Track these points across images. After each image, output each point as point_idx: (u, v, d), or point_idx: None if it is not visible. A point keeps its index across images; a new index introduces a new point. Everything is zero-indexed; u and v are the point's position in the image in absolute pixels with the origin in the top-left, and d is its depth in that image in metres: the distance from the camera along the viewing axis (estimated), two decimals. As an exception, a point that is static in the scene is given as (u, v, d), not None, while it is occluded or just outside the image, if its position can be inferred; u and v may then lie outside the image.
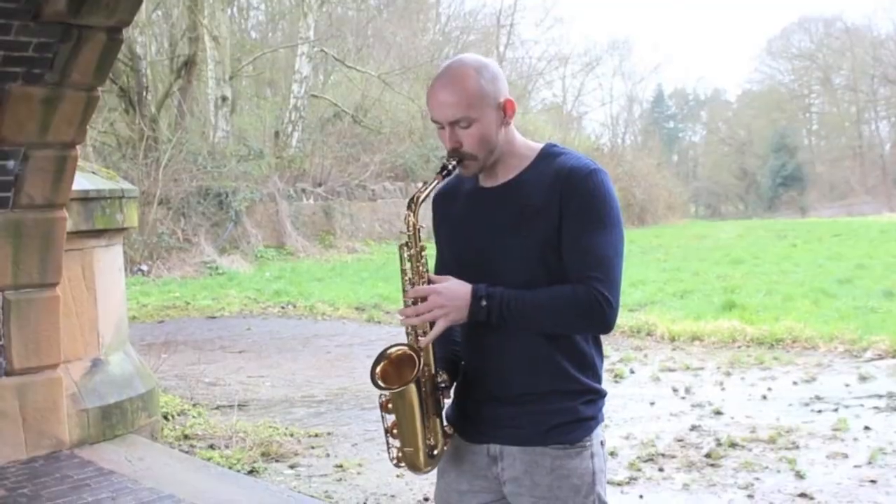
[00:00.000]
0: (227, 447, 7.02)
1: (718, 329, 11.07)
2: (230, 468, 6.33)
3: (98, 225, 6.56)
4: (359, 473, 6.47)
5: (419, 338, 2.46)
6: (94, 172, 7.00)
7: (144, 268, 20.08)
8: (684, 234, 30.32)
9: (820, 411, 7.62)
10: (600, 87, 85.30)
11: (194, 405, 8.48)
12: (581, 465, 2.48)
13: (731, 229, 33.15)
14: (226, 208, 22.89)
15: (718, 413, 7.71)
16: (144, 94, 23.99)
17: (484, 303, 2.39)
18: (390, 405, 2.51)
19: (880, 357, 9.50)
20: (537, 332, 2.44)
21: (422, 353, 2.45)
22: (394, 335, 12.63)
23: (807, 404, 7.87)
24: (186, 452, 6.81)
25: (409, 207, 2.47)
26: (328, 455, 6.95)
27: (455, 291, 2.41)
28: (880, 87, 67.28)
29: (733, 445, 6.71)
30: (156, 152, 22.27)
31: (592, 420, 2.52)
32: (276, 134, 27.93)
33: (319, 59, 31.29)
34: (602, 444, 2.56)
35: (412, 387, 2.44)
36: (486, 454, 2.57)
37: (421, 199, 2.47)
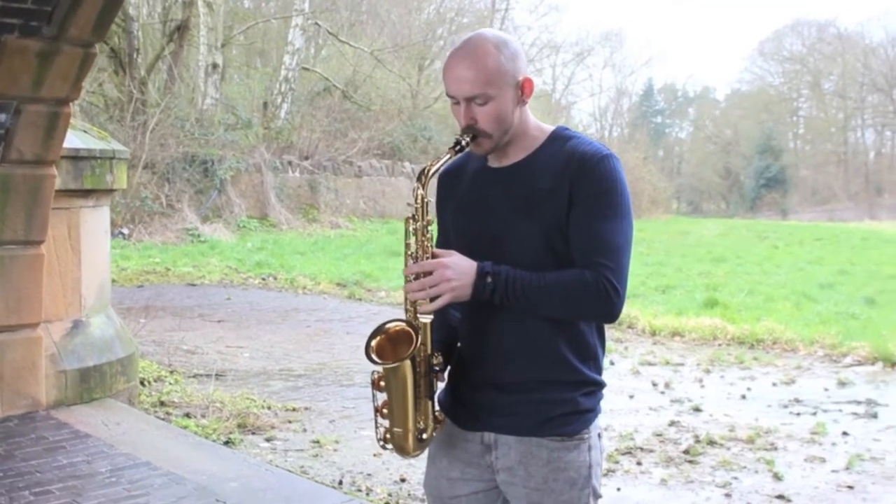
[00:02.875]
0: (203, 416, 6.98)
1: (700, 326, 11.08)
2: (206, 437, 6.28)
3: (87, 185, 6.48)
4: (335, 450, 6.43)
5: (418, 315, 2.38)
6: (85, 131, 6.91)
7: (126, 231, 19.96)
8: (667, 230, 30.32)
9: (799, 414, 7.63)
10: (590, 77, 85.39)
11: (171, 372, 8.44)
12: (578, 457, 2.43)
13: (713, 227, 33.22)
14: (211, 176, 22.78)
15: (697, 410, 7.70)
16: (135, 56, 23.77)
17: (489, 280, 2.31)
18: (382, 382, 2.44)
19: (859, 363, 9.52)
20: (540, 316, 2.37)
21: (420, 331, 2.38)
22: (374, 313, 12.63)
23: (786, 406, 7.88)
24: (162, 419, 6.76)
25: (418, 179, 2.39)
26: (305, 430, 6.91)
27: (461, 266, 2.33)
28: (868, 95, 67.52)
29: (712, 443, 6.70)
30: (143, 116, 22.11)
31: (591, 412, 2.47)
32: (265, 105, 27.78)
33: (312, 32, 31.11)
34: (599, 436, 2.51)
35: (407, 364, 2.37)
36: (479, 442, 2.51)
37: (431, 173, 2.39)
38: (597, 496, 2.49)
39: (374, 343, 2.41)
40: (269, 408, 7.42)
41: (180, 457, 5.45)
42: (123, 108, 22.37)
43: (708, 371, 9.24)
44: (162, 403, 7.33)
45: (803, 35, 71.13)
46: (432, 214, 2.46)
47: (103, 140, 6.96)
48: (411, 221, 2.40)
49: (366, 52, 30.45)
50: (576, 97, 63.05)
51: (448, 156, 2.40)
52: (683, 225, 35.41)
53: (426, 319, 2.38)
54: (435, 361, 2.43)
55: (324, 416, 7.38)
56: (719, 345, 10.53)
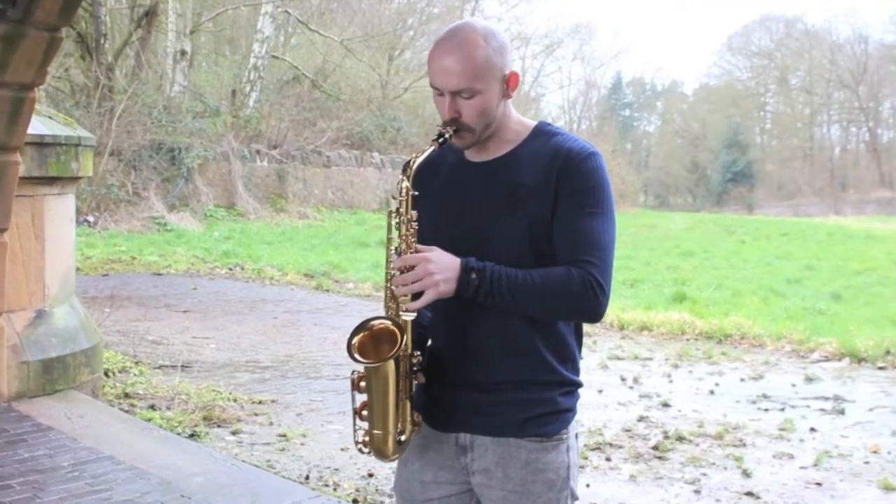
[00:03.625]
0: (168, 408, 6.89)
1: (668, 320, 11.08)
2: (171, 430, 6.20)
3: (52, 172, 6.37)
4: (302, 444, 6.36)
5: (400, 312, 2.31)
6: (50, 117, 6.78)
7: (91, 219, 19.75)
8: (635, 223, 30.39)
9: (767, 410, 7.63)
10: (560, 70, 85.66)
11: (136, 363, 8.33)
12: (557, 458, 2.38)
13: (680, 221, 33.34)
14: (178, 164, 22.60)
15: (666, 405, 7.69)
16: (102, 41, 23.48)
17: (474, 276, 2.25)
18: (363, 383, 2.36)
19: (827, 359, 9.55)
20: (523, 314, 2.32)
21: (405, 329, 2.31)
22: (342, 304, 12.56)
23: (754, 402, 7.88)
24: (126, 411, 6.67)
25: (403, 172, 2.32)
26: (271, 423, 6.83)
27: (444, 262, 2.26)
28: (835, 91, 68.08)
29: (680, 439, 6.69)
30: (110, 102, 21.87)
31: (570, 412, 2.42)
32: (234, 93, 27.58)
33: (282, 20, 30.92)
34: (576, 436, 2.47)
35: (390, 364, 2.30)
36: (454, 443, 2.45)
37: (416, 165, 2.32)
38: (574, 497, 2.44)
39: (355, 341, 2.33)
40: (235, 400, 7.34)
41: (144, 451, 5.37)
42: (90, 94, 22.12)
43: (676, 366, 9.24)
44: (126, 395, 7.23)
45: (771, 30, 71.65)
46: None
47: (69, 126, 6.84)
48: (395, 215, 2.33)
49: (336, 41, 30.29)
50: (545, 89, 63.11)
51: (432, 148, 2.34)
52: (651, 218, 35.52)
53: (408, 317, 2.31)
54: (415, 361, 2.36)
55: (291, 408, 7.30)
56: (687, 339, 10.53)
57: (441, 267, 2.25)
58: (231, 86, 28.02)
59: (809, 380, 8.71)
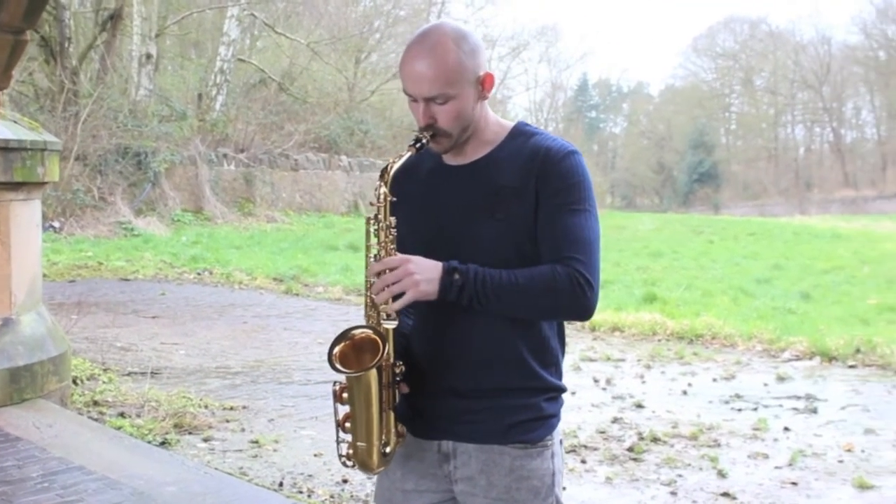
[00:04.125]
0: (138, 416, 6.81)
1: (639, 321, 11.09)
2: (141, 438, 6.12)
3: (17, 177, 6.26)
4: (275, 451, 6.30)
5: (382, 321, 2.26)
6: (15, 122, 6.67)
7: (56, 224, 19.56)
8: (603, 224, 29.32)
9: (740, 410, 7.63)
10: (526, 72, 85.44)
11: (105, 370, 8.24)
12: (542, 465, 2.34)
13: (648, 222, 33.44)
14: (144, 168, 22.44)
15: (640, 406, 7.68)
16: (66, 45, 23.26)
17: (457, 276, 2.20)
18: (345, 394, 2.31)
19: (798, 358, 9.58)
20: (511, 315, 2.28)
21: (386, 338, 2.25)
22: (312, 308, 12.50)
23: (727, 402, 7.89)
24: (95, 419, 6.58)
25: (381, 178, 2.27)
26: (243, 430, 6.76)
27: (426, 264, 2.22)
28: (798, 92, 68.69)
29: (655, 440, 6.68)
30: (75, 106, 21.68)
31: (554, 417, 2.39)
32: (200, 96, 27.42)
33: (248, 23, 30.79)
34: (560, 442, 2.43)
35: (372, 374, 2.24)
36: (436, 451, 2.40)
37: (394, 170, 2.27)
38: (559, 504, 2.41)
39: (336, 350, 2.27)
40: (206, 407, 7.25)
41: (115, 460, 5.28)
42: (55, 99, 21.92)
43: (649, 367, 9.24)
44: (95, 403, 7.14)
45: (736, 32, 72.21)
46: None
47: (34, 131, 6.73)
48: (373, 221, 2.28)
49: (302, 43, 30.20)
50: (511, 91, 63.11)
51: (409, 153, 2.29)
52: (619, 219, 35.56)
53: (390, 325, 2.25)
54: (397, 370, 2.31)
55: (262, 414, 7.23)
56: (659, 340, 10.54)
57: (422, 268, 2.21)
58: (197, 89, 27.85)
59: (781, 379, 8.73)
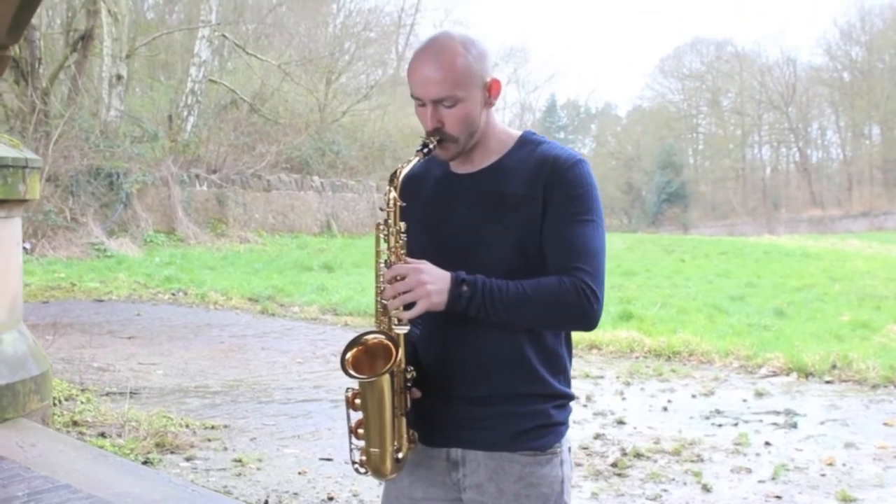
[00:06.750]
0: (119, 436, 6.75)
1: (617, 339, 11.12)
2: (124, 458, 6.07)
3: (-1, 195, 6.22)
4: (258, 469, 6.26)
5: (393, 326, 2.26)
6: (-5, 140, 6.64)
7: (28, 246, 19.41)
8: None
9: (720, 425, 7.67)
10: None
11: (83, 390, 8.18)
12: (551, 472, 2.35)
13: (619, 241, 33.55)
14: (116, 189, 22.37)
15: (621, 423, 7.70)
16: (37, 65, 23.15)
17: (465, 288, 2.21)
18: (357, 400, 2.31)
19: (774, 374, 9.64)
20: (518, 325, 2.29)
21: (399, 343, 2.26)
22: (288, 328, 12.46)
23: (707, 417, 7.92)
24: (77, 440, 6.51)
25: (390, 182, 2.28)
26: (226, 448, 6.72)
27: (436, 273, 2.22)
28: (765, 113, 69.34)
29: (638, 456, 6.69)
30: (46, 127, 21.59)
31: (563, 425, 2.40)
32: (170, 118, 27.34)
33: (219, 44, 30.76)
34: (569, 450, 2.44)
35: (385, 379, 2.24)
36: (445, 458, 2.40)
37: (403, 175, 2.28)
38: (568, 511, 2.42)
39: (349, 356, 2.27)
40: (187, 426, 7.21)
41: (102, 478, 5.24)
42: (25, 119, 21.84)
43: (628, 383, 9.27)
44: (75, 423, 7.07)
45: (702, 53, 72.84)
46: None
47: (15, 148, 6.69)
48: (383, 227, 2.28)
49: (273, 64, 30.20)
50: (481, 112, 63.29)
51: (417, 158, 2.31)
52: (590, 239, 35.66)
53: (401, 331, 2.26)
54: (409, 376, 2.31)
55: (244, 433, 7.19)
56: (637, 357, 10.58)
57: (432, 277, 2.22)
58: (167, 110, 27.78)
59: (760, 395, 8.78)
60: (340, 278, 18.18)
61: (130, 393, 8.14)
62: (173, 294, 15.36)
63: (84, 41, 24.53)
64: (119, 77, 25.41)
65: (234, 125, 28.44)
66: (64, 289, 15.40)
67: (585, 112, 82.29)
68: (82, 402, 7.71)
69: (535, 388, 2.35)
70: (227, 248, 23.59)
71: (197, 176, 25.45)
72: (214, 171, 26.04)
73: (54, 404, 7.38)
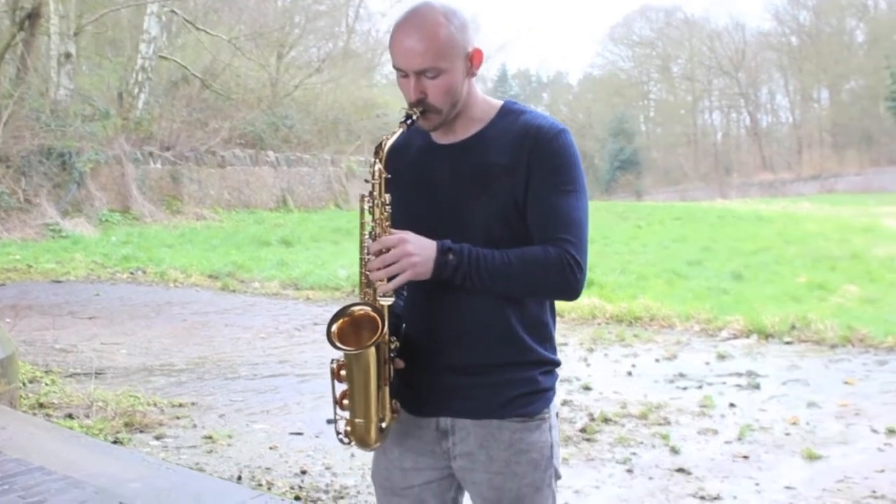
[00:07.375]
0: (86, 417, 6.72)
1: (578, 305, 11.16)
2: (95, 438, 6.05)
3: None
4: (229, 445, 6.26)
5: (378, 297, 2.26)
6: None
7: (-20, 229, 19.21)
8: None
9: (685, 388, 7.77)
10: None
11: (47, 372, 8.13)
12: (540, 438, 2.38)
13: (574, 209, 33.68)
14: (69, 169, 22.11)
15: (587, 388, 7.77)
16: (-17, 46, 22.80)
17: (451, 256, 2.22)
18: (343, 371, 2.31)
19: (735, 336, 9.77)
20: (503, 294, 2.30)
21: (384, 315, 2.25)
22: (250, 304, 12.44)
23: (671, 381, 8.02)
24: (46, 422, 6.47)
25: (375, 154, 2.27)
26: (195, 426, 6.71)
27: (421, 242, 2.22)
28: (715, 78, 69.82)
29: (606, 420, 6.77)
30: (-6, 107, 21.28)
31: (550, 391, 2.42)
32: (120, 95, 27.01)
33: (167, 20, 30.38)
34: (557, 415, 2.47)
35: (371, 350, 2.24)
36: (434, 428, 2.42)
37: (387, 147, 2.27)
38: (558, 476, 2.45)
39: (335, 328, 2.27)
40: (154, 404, 7.19)
41: (75, 459, 5.22)
42: (-27, 100, 21.50)
43: (591, 350, 9.35)
44: (41, 405, 7.03)
45: (651, 20, 73.16)
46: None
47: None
48: (368, 198, 2.28)
49: (223, 39, 29.92)
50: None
51: (400, 130, 2.30)
52: (545, 208, 35.78)
53: (386, 302, 2.25)
54: (392, 346, 2.32)
55: (212, 410, 7.19)
56: (599, 323, 10.67)
57: (418, 246, 2.22)
58: (118, 88, 27.45)
59: (721, 357, 8.90)
60: (299, 253, 18.13)
61: (95, 373, 8.09)
62: (132, 273, 15.25)
63: (31, 19, 24.14)
64: (68, 55, 25.03)
65: (186, 102, 28.19)
66: (20, 271, 15.24)
67: (537, 81, 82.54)
68: (47, 385, 7.66)
69: (521, 356, 2.37)
70: (183, 225, 23.44)
71: (150, 154, 25.21)
72: (168, 149, 25.81)
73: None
